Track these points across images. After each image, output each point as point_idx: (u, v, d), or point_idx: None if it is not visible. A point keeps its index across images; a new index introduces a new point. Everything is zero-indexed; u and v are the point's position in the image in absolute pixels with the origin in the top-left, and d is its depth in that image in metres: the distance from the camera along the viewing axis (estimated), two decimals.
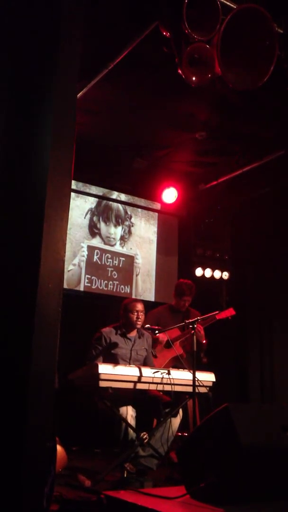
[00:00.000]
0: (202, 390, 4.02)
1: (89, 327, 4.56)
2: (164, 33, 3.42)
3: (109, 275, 6.36)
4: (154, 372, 3.84)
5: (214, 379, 4.15)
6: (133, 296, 6.31)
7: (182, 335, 4.98)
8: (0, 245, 2.51)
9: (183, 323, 4.39)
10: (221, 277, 6.94)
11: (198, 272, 6.77)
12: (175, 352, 4.75)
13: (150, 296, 6.67)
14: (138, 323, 4.30)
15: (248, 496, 2.50)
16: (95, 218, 6.37)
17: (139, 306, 4.31)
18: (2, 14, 2.75)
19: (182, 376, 3.98)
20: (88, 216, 6.33)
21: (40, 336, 2.26)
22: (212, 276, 6.87)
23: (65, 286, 5.76)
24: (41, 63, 2.65)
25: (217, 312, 4.66)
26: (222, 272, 6.94)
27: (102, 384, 3.62)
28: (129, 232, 6.65)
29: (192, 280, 5.58)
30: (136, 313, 4.28)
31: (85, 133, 5.27)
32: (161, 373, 3.86)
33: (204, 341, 4.93)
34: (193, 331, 4.11)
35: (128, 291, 6.46)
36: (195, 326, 4.13)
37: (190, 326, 4.14)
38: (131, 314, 4.28)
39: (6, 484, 2.12)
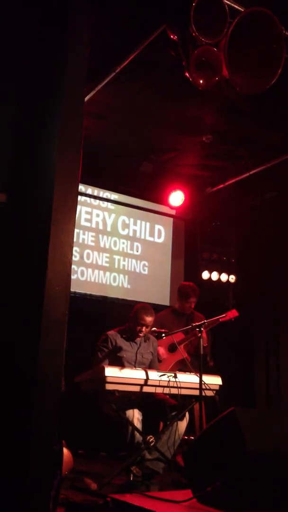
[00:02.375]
0: (209, 393, 4.00)
1: (95, 331, 4.56)
2: (172, 37, 3.43)
3: (116, 278, 6.36)
4: (160, 375, 3.83)
5: (220, 383, 4.14)
6: (140, 300, 6.29)
7: (186, 338, 4.96)
8: (7, 248, 2.53)
9: (190, 327, 4.38)
10: (227, 281, 6.92)
11: (205, 275, 6.75)
12: (180, 355, 4.74)
13: (157, 300, 6.65)
14: (140, 335, 4.28)
15: (255, 502, 2.49)
16: (102, 222, 6.37)
17: (147, 320, 4.24)
18: (11, 19, 2.77)
19: (188, 379, 3.97)
20: (95, 219, 6.33)
21: (47, 339, 2.26)
22: (219, 279, 6.85)
23: (72, 289, 5.74)
24: (49, 67, 2.67)
25: (223, 315, 4.64)
26: (228, 275, 6.92)
27: (109, 387, 3.61)
28: (136, 236, 6.65)
29: (198, 284, 5.56)
30: (140, 326, 4.24)
31: (92, 136, 5.28)
32: (168, 377, 3.85)
33: (205, 345, 4.92)
34: (199, 334, 4.10)
35: (135, 295, 6.45)
36: (201, 329, 4.12)
37: (197, 329, 4.13)
38: (136, 325, 4.25)
39: (13, 486, 2.12)
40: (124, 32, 3.88)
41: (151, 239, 6.79)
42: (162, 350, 4.86)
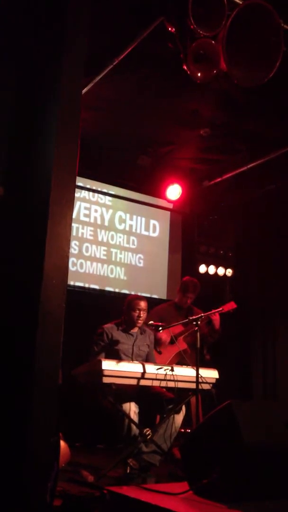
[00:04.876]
0: (206, 387, 4.02)
1: (92, 324, 4.57)
2: (170, 29, 3.41)
3: (113, 270, 6.39)
4: (157, 369, 3.84)
5: (217, 376, 4.15)
6: (137, 293, 6.32)
7: (185, 330, 4.97)
8: (4, 241, 2.52)
9: (187, 320, 4.39)
10: (224, 274, 6.92)
11: (202, 269, 6.75)
12: (178, 347, 4.75)
13: (154, 293, 6.68)
14: (139, 321, 4.29)
15: (251, 493, 2.51)
16: (100, 217, 6.40)
17: (142, 304, 4.28)
18: (7, 11, 2.75)
19: (185, 372, 3.98)
20: (93, 214, 6.36)
21: (44, 332, 2.26)
22: (216, 273, 6.85)
23: (69, 282, 5.78)
24: (46, 60, 2.65)
25: (221, 309, 4.65)
26: (225, 269, 6.93)
27: (106, 380, 3.62)
28: (132, 230, 6.67)
29: (195, 277, 5.57)
30: (137, 311, 4.25)
31: (89, 129, 5.26)
32: (165, 370, 3.86)
33: (217, 328, 4.93)
34: (196, 328, 4.10)
35: (132, 288, 6.48)
36: (199, 323, 4.13)
37: (194, 323, 4.14)
38: (133, 312, 4.26)
39: (10, 478, 2.13)
40: (122, 24, 3.85)
41: (146, 233, 6.83)
42: (164, 336, 4.86)
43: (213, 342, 5.31)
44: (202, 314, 4.34)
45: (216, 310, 4.63)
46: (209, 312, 4.58)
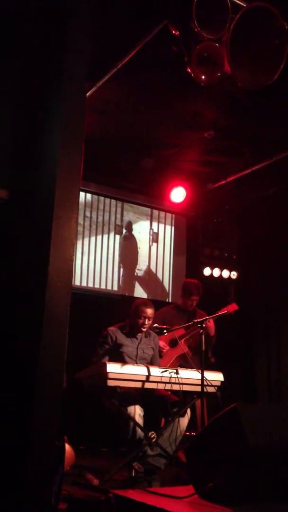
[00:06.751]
0: (211, 389, 4.01)
1: (97, 327, 4.57)
2: (173, 32, 3.41)
3: (117, 274, 6.38)
4: (162, 372, 3.84)
5: (222, 379, 4.15)
6: (141, 296, 6.33)
7: (187, 334, 4.96)
8: (9, 244, 2.53)
9: (191, 323, 4.38)
10: (229, 277, 6.91)
11: (206, 271, 6.74)
12: (181, 350, 4.74)
13: (158, 296, 6.67)
14: (143, 328, 4.29)
15: (257, 497, 2.49)
16: (104, 220, 6.40)
17: (148, 312, 4.27)
18: (10, 13, 2.76)
19: (190, 375, 3.97)
20: (98, 218, 6.36)
21: (49, 335, 2.26)
22: (220, 275, 6.84)
23: (75, 283, 5.81)
24: (49, 63, 2.66)
25: (225, 311, 4.63)
26: (230, 271, 6.91)
27: (110, 383, 3.62)
28: (137, 232, 6.67)
29: (200, 280, 5.56)
30: (143, 319, 4.25)
31: (93, 132, 5.27)
32: (169, 373, 3.86)
33: (213, 334, 4.91)
34: (201, 331, 4.10)
35: (136, 291, 6.48)
36: (204, 325, 4.12)
37: (199, 325, 4.13)
38: (138, 319, 4.26)
39: (16, 482, 2.13)
40: (126, 27, 3.86)
41: (150, 236, 6.82)
42: (162, 343, 4.87)
43: (210, 347, 5.31)
44: (207, 317, 4.33)
45: (220, 313, 4.62)
46: (212, 316, 4.56)
